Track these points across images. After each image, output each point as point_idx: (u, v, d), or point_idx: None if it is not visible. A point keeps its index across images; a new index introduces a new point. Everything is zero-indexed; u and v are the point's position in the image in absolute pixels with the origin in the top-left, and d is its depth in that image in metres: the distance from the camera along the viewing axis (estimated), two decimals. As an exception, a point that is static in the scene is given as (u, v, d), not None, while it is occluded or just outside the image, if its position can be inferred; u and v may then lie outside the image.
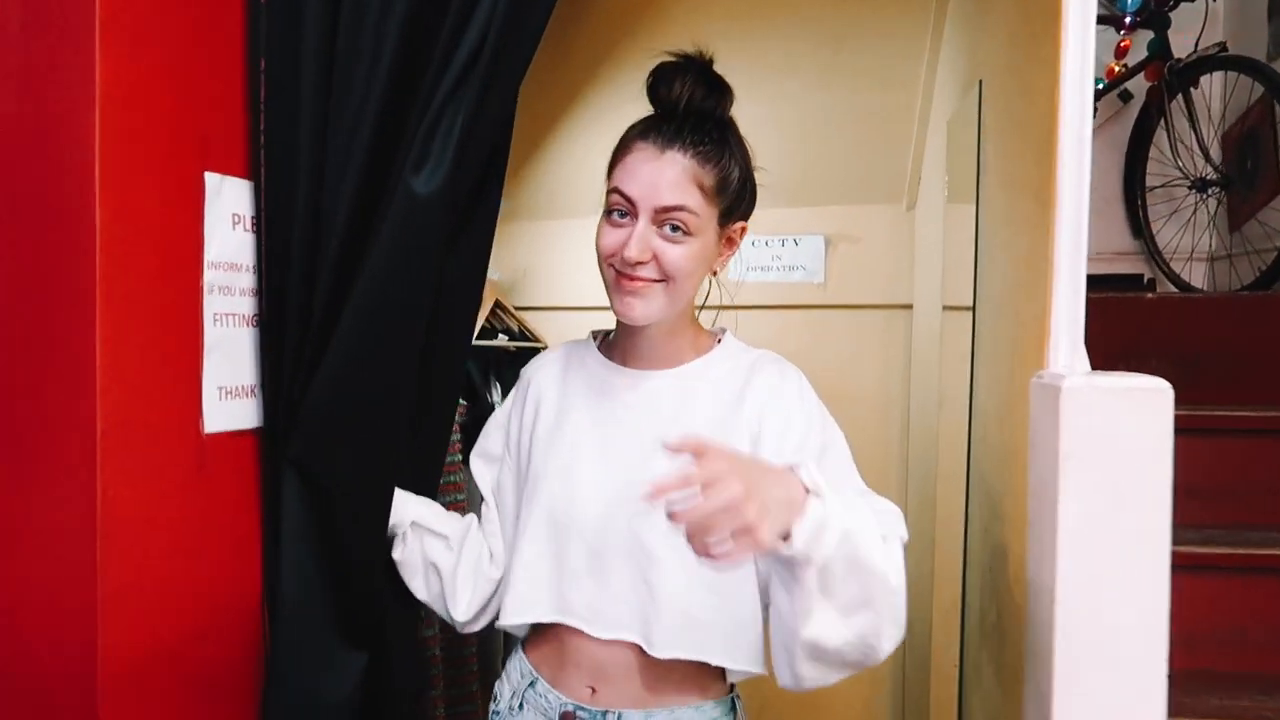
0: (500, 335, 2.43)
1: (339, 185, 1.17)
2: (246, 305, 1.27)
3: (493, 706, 1.36)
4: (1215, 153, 3.05)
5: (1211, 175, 3.00)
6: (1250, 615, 1.80)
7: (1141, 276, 3.26)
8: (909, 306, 2.46)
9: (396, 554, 1.35)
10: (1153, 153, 3.16)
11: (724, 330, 1.35)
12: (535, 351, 2.56)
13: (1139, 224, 3.25)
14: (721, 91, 1.23)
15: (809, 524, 0.91)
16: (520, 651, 1.34)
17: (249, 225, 1.26)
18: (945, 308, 2.33)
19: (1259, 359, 2.16)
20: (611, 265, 1.20)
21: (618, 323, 1.30)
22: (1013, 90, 1.41)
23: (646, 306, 1.19)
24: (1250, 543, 1.82)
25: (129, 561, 1.10)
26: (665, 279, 1.18)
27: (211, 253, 1.22)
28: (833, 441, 1.22)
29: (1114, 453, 0.96)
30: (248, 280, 1.27)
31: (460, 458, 2.08)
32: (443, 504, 2.05)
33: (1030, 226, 1.25)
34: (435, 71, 1.16)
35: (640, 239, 1.16)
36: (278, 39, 1.22)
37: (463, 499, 2.09)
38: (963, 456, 1.79)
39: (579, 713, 1.24)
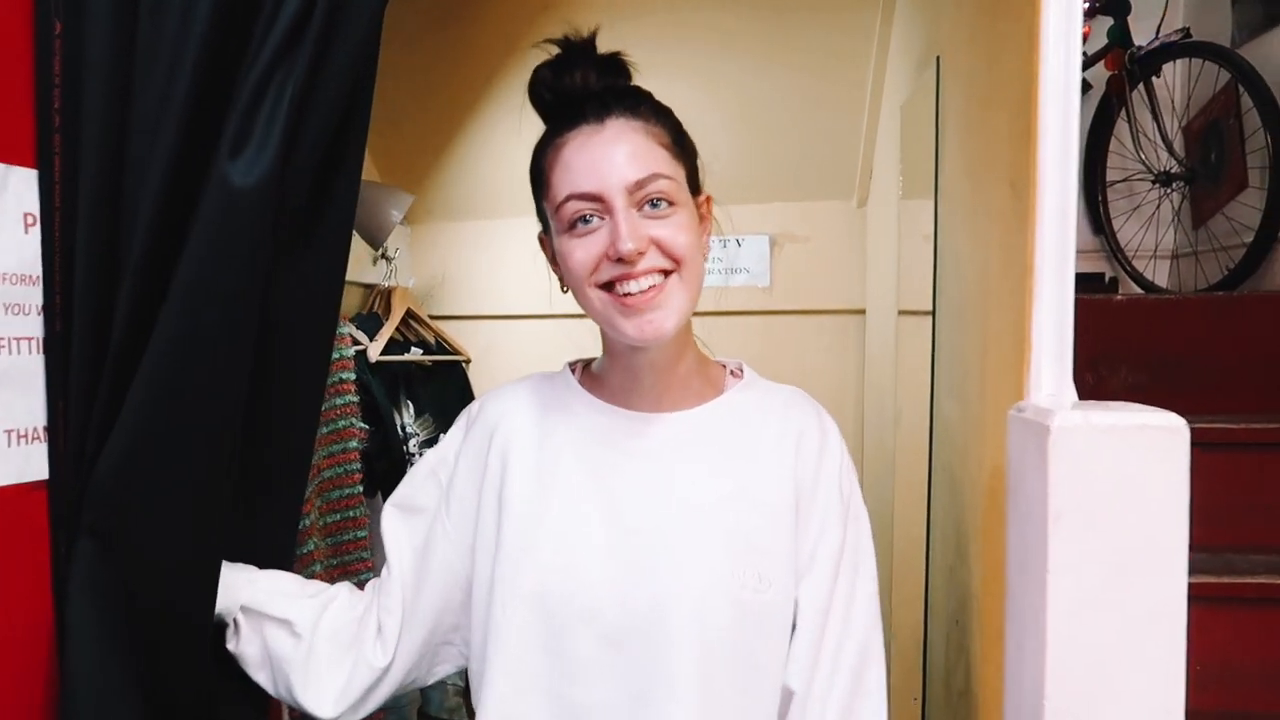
0: (413, 349, 2.19)
1: (143, 175, 0.93)
2: (44, 327, 1.02)
3: None
4: (1178, 145, 2.91)
5: (1175, 169, 2.87)
6: (1234, 648, 1.64)
7: (1103, 275, 3.13)
8: (861, 311, 2.27)
9: (231, 646, 1.09)
10: (1113, 145, 3.02)
11: (739, 363, 1.14)
12: (454, 366, 2.33)
13: (1099, 220, 3.11)
14: (618, 68, 1.04)
15: None
16: None
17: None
18: (901, 312, 2.15)
19: (1238, 364, 2.01)
20: (598, 284, 0.97)
21: (605, 352, 1.08)
22: (978, 64, 1.20)
23: (669, 313, 0.97)
24: (1236, 569, 1.65)
25: None
26: (675, 265, 0.97)
27: (-7, 262, 0.97)
28: (857, 547, 1.05)
29: (1119, 511, 0.75)
30: (46, 296, 1.02)
31: (361, 489, 1.83)
32: (343, 542, 1.83)
33: (1002, 221, 1.04)
34: (261, 27, 0.92)
35: (631, 227, 0.94)
36: (77, -4, 0.97)
37: (364, 536, 1.85)
38: (923, 480, 1.60)
39: None
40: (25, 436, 1.01)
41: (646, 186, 0.95)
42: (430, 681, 1.15)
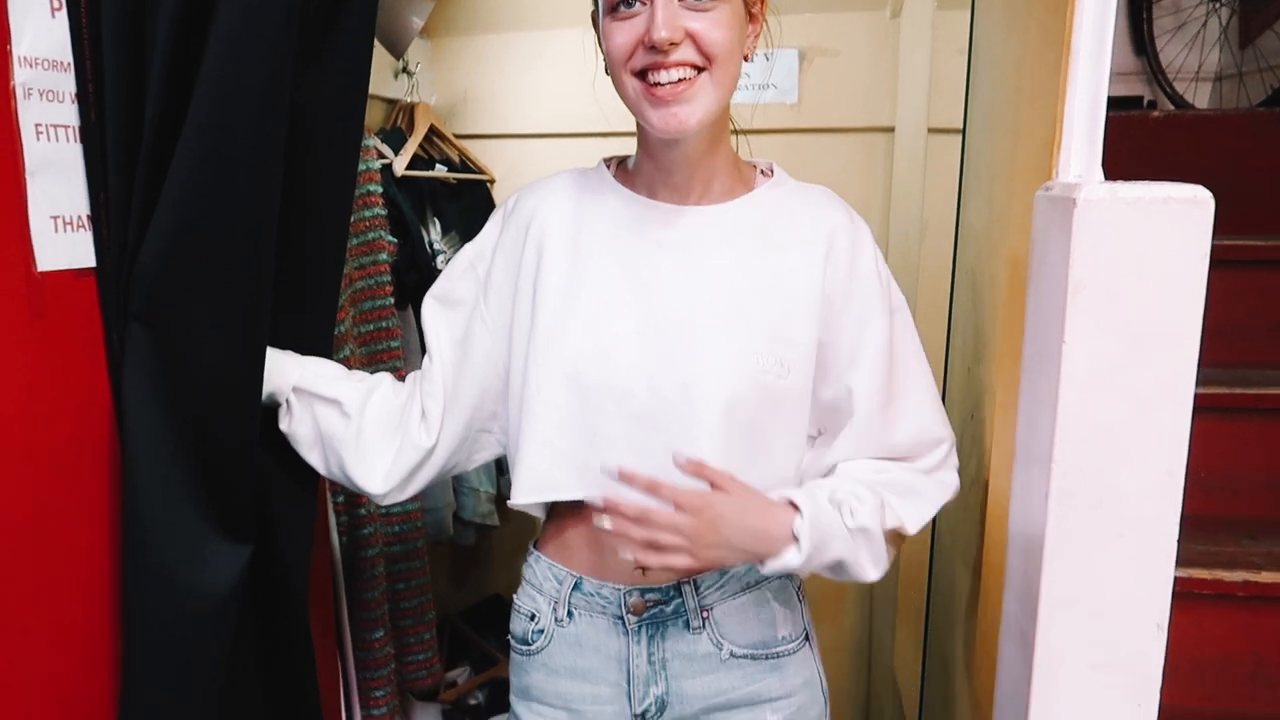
0: (438, 166, 2.18)
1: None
2: (79, 115, 1.03)
3: (518, 634, 1.17)
4: (1233, -44, 2.75)
5: (1227, -19, 2.72)
6: (1244, 456, 1.68)
7: (1141, 99, 3.02)
8: (890, 129, 2.22)
9: (284, 426, 1.15)
10: (1162, -43, 2.85)
11: (770, 163, 1.16)
12: (479, 185, 2.33)
13: (1142, 41, 2.97)
14: None
15: (790, 560, 0.98)
16: (540, 556, 1.16)
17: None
18: (931, 130, 2.11)
19: (1277, 182, 1.95)
20: (633, 70, 0.98)
21: (639, 146, 1.11)
22: None
23: (694, 108, 0.98)
24: (1251, 381, 1.67)
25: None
26: (707, 62, 0.97)
27: (24, 46, 0.97)
28: (901, 333, 1.10)
29: (1138, 283, 0.76)
30: (79, 84, 1.03)
31: (391, 301, 1.87)
32: (378, 351, 1.89)
33: (1039, 18, 1.02)
34: None
35: (668, 15, 0.94)
36: None
37: (397, 346, 1.90)
38: (945, 289, 1.62)
39: (648, 595, 1.08)
40: (71, 224, 1.03)
41: None
42: (470, 467, 1.22)
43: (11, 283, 0.97)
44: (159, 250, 0.99)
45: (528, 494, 1.09)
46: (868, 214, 2.29)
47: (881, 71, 2.20)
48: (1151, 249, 0.76)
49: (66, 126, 1.02)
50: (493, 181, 2.38)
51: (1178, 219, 0.76)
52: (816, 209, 1.10)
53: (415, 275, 1.96)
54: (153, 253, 0.99)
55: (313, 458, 1.16)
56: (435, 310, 1.17)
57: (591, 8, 1.07)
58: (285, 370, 1.13)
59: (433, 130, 2.19)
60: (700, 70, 0.97)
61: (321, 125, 1.10)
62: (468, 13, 2.36)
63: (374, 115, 2.19)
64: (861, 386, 1.06)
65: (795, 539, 0.98)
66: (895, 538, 1.07)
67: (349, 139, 1.16)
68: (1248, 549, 1.54)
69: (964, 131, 1.79)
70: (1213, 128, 2.10)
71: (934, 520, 1.63)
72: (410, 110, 2.16)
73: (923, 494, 1.09)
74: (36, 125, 0.99)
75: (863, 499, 1.02)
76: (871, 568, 1.03)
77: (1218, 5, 2.79)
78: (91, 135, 1.03)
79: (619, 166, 1.16)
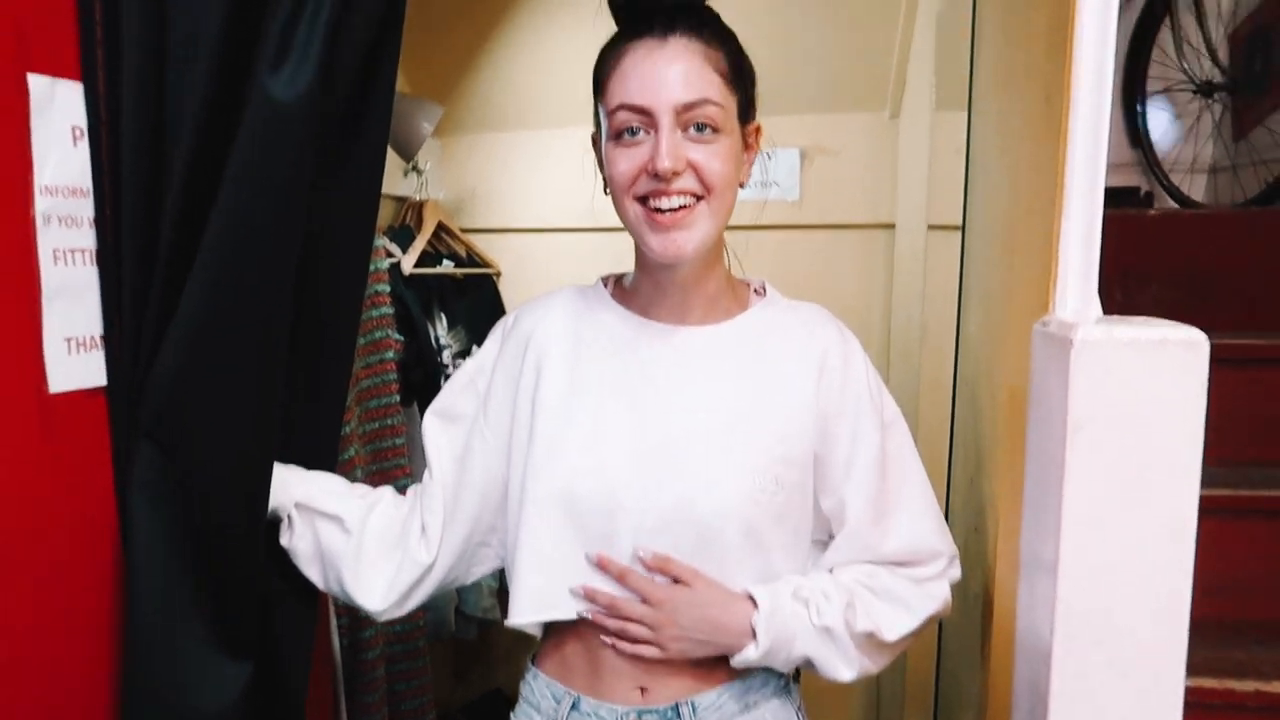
0: (445, 261, 2.22)
1: (184, 87, 0.94)
2: (96, 239, 1.06)
3: None
4: (1223, 53, 2.82)
5: (1218, 78, 2.78)
6: (1252, 560, 1.66)
7: (1138, 190, 3.07)
8: (891, 226, 2.25)
9: (285, 541, 1.15)
10: (1155, 54, 2.93)
11: (762, 282, 1.18)
12: (485, 279, 2.36)
13: (1137, 133, 3.03)
14: None
15: (749, 654, 1.03)
16: (537, 673, 1.15)
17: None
18: (930, 227, 2.14)
19: (1273, 280, 1.97)
20: (636, 196, 1.01)
21: (637, 266, 1.13)
22: (1015, -28, 1.18)
23: (692, 235, 1.01)
24: (1255, 482, 1.67)
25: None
26: (706, 191, 1.00)
27: (45, 175, 1.00)
28: (896, 445, 1.12)
29: (1137, 423, 0.77)
30: (97, 208, 1.05)
31: (398, 399, 1.89)
32: (382, 449, 1.90)
33: (1034, 133, 1.04)
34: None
35: (671, 146, 0.97)
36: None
37: (402, 444, 1.91)
38: (946, 393, 1.62)
39: (646, 717, 1.07)
40: (84, 345, 1.05)
41: (694, 110, 0.98)
42: (469, 581, 1.22)
43: (24, 405, 0.99)
44: (171, 369, 1.00)
45: (525, 613, 1.09)
46: (869, 312, 2.34)
47: (881, 170, 2.24)
48: (1149, 390, 0.77)
49: (83, 250, 1.05)
50: (498, 275, 2.42)
51: (1174, 361, 0.77)
52: (808, 327, 1.12)
53: (421, 372, 1.98)
54: (166, 371, 1.00)
55: (312, 573, 1.16)
56: (436, 426, 1.18)
57: (592, 129, 1.10)
58: (288, 486, 1.14)
59: (440, 226, 2.23)
60: (699, 199, 1.00)
61: (334, 236, 1.13)
62: (475, 113, 2.42)
63: (383, 213, 2.23)
64: (854, 498, 1.08)
65: (754, 633, 1.01)
66: (877, 643, 1.07)
67: (360, 247, 1.19)
68: (1257, 655, 1.51)
69: (963, 229, 1.82)
70: (1209, 225, 2.12)
71: (940, 625, 1.62)
72: (419, 208, 2.20)
73: (908, 603, 1.09)
74: (55, 250, 1.01)
75: (830, 598, 1.04)
76: (844, 668, 1.05)
77: (1210, 100, 2.85)
78: (108, 257, 1.06)
79: (616, 284, 1.18)
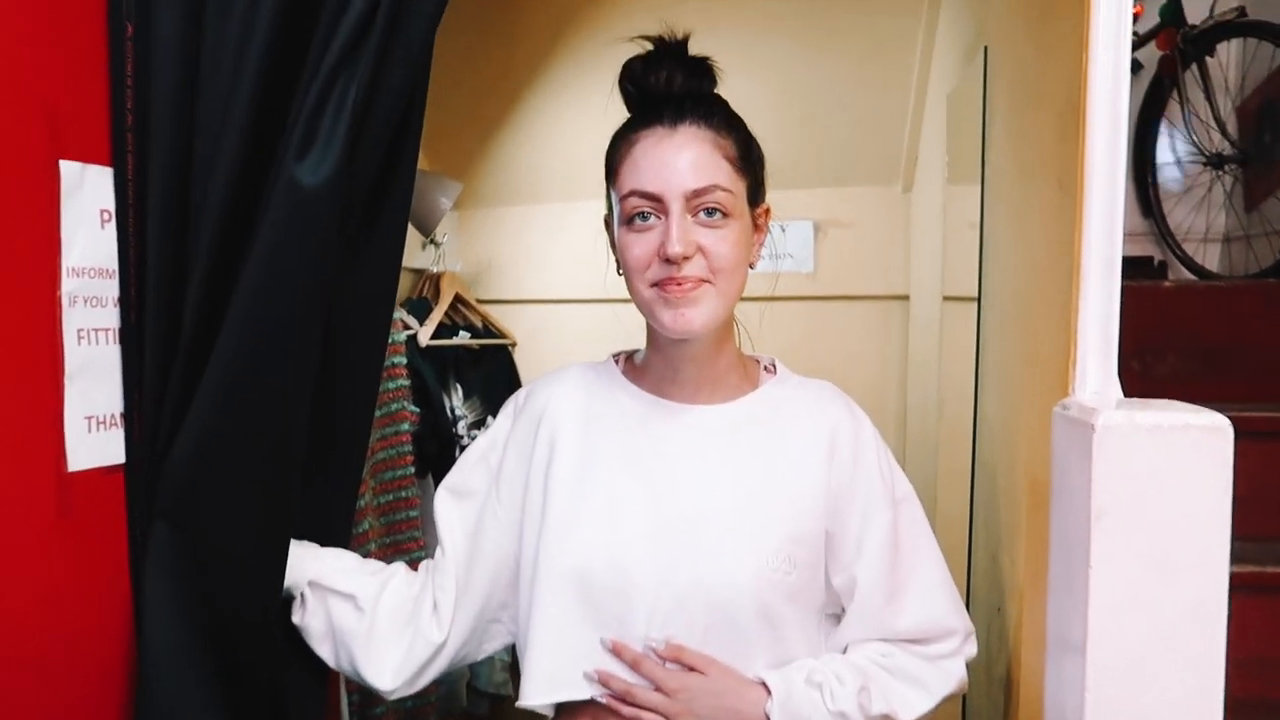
0: (461, 332, 2.23)
1: (211, 172, 0.96)
2: (120, 318, 1.07)
3: None
4: (1232, 126, 2.85)
5: (1228, 150, 2.81)
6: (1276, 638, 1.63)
7: (1151, 259, 3.07)
8: (905, 297, 2.27)
9: (297, 619, 1.15)
10: (1164, 126, 2.96)
11: (772, 359, 1.20)
12: (501, 349, 2.37)
13: (1149, 203, 3.05)
14: (705, 72, 1.09)
15: None
16: None
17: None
18: (946, 298, 2.15)
19: (1291, 352, 1.96)
20: (649, 281, 1.03)
21: (648, 345, 1.15)
22: (1026, 56, 1.20)
23: (703, 313, 1.03)
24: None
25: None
26: (714, 275, 1.03)
27: (73, 257, 1.01)
28: (909, 523, 1.13)
29: (1161, 510, 0.76)
30: (121, 288, 1.07)
31: (413, 471, 1.88)
32: (396, 521, 1.89)
33: (1048, 217, 1.05)
34: (322, 34, 0.95)
35: (682, 231, 1.00)
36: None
37: (416, 516, 1.90)
38: (965, 470, 1.61)
39: None
40: (104, 423, 1.06)
41: (704, 196, 1.01)
42: (480, 657, 1.21)
43: (42, 483, 0.99)
44: (191, 450, 1.00)
45: (537, 695, 1.07)
46: (885, 382, 2.33)
47: (895, 242, 2.26)
48: (1173, 476, 0.76)
49: (107, 329, 1.06)
50: (514, 345, 2.43)
51: (1198, 446, 0.76)
52: (819, 405, 1.13)
53: (436, 444, 1.98)
54: (185, 452, 1.01)
55: (324, 651, 1.15)
56: (448, 502, 1.18)
57: (605, 211, 1.13)
58: (302, 563, 1.13)
59: (457, 297, 2.25)
60: (706, 282, 1.02)
61: (356, 309, 1.14)
62: (492, 187, 2.46)
63: (401, 285, 2.26)
64: (865, 576, 1.08)
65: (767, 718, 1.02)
66: None
67: (379, 326, 1.20)
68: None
69: (979, 302, 1.82)
70: (1225, 297, 2.12)
71: (963, 707, 1.58)
72: (436, 279, 2.22)
73: (924, 683, 1.09)
74: (79, 330, 1.02)
75: (845, 681, 1.04)
76: None
77: (1221, 173, 2.87)
78: (130, 336, 1.07)
79: (627, 361, 1.19)
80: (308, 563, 1.14)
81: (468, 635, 1.15)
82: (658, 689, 1.03)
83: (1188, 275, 2.89)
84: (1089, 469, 0.77)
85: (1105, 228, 0.87)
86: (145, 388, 1.05)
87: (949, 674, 1.11)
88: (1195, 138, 2.84)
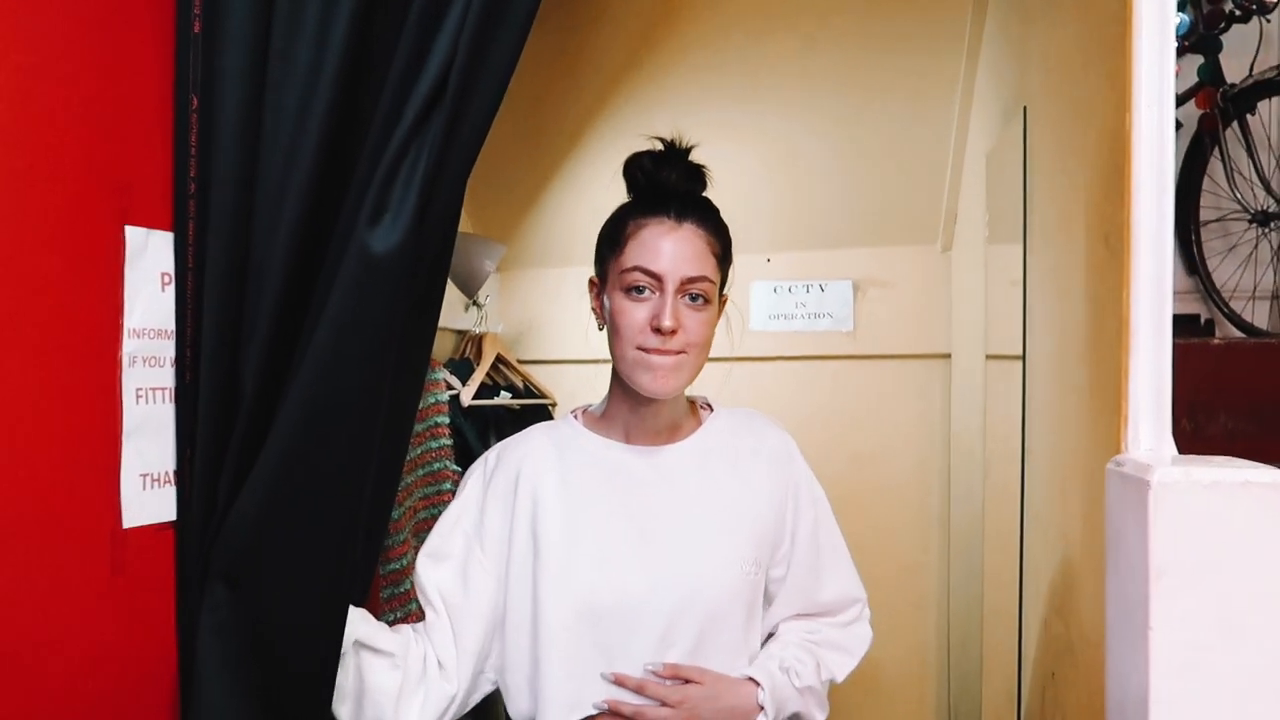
0: (503, 392, 2.25)
1: (271, 240, 0.99)
2: (176, 378, 1.10)
3: None
4: (1276, 183, 2.83)
5: (1273, 207, 2.78)
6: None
7: (1198, 317, 3.03)
8: (947, 356, 2.25)
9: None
10: (1207, 184, 2.94)
11: (705, 398, 1.42)
12: (541, 408, 2.38)
13: (1193, 261, 3.02)
14: (701, 176, 1.31)
15: None
16: None
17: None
18: (989, 356, 2.13)
19: (1347, 412, 1.92)
20: (639, 346, 1.21)
21: (611, 399, 1.33)
22: (1066, 116, 1.21)
23: (678, 379, 1.23)
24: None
25: (24, 692, 0.91)
26: (689, 348, 1.22)
27: (134, 319, 1.05)
28: (824, 515, 1.41)
29: (1222, 569, 0.75)
30: (178, 349, 1.10)
31: (454, 530, 1.88)
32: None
33: (1095, 274, 1.05)
34: (393, 103, 0.98)
35: (673, 309, 1.20)
36: (212, 72, 1.05)
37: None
38: (1013, 531, 1.58)
39: None
40: (158, 480, 1.08)
41: (694, 283, 1.22)
42: (467, 709, 1.28)
43: (98, 540, 1.01)
44: (254, 512, 1.02)
45: (558, 717, 1.20)
46: (928, 443, 2.30)
47: (935, 301, 2.25)
48: (1234, 534, 0.75)
49: (163, 389, 1.09)
50: (554, 405, 2.44)
51: (1259, 503, 0.75)
52: (752, 429, 1.38)
53: (478, 503, 1.98)
54: (246, 514, 1.02)
55: (341, 710, 1.18)
56: (429, 566, 1.27)
57: (593, 273, 1.32)
58: (352, 624, 1.15)
59: (499, 358, 2.27)
60: (683, 353, 1.22)
61: (408, 375, 1.17)
62: (534, 249, 2.50)
63: (444, 345, 2.29)
64: (798, 561, 1.35)
65: (761, 707, 1.24)
66: (831, 686, 1.36)
67: (415, 386, 1.26)
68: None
69: (1024, 360, 1.80)
70: (1274, 354, 2.08)
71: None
72: (479, 340, 2.25)
73: (848, 649, 1.39)
74: (138, 390, 1.06)
75: (804, 661, 1.30)
76: (819, 713, 1.33)
77: (1266, 230, 2.84)
78: (185, 396, 1.09)
79: (585, 415, 1.37)
80: (356, 624, 1.16)
81: (470, 684, 1.26)
82: (664, 704, 1.20)
83: (1235, 333, 2.85)
84: (1145, 527, 0.76)
85: (1153, 284, 0.86)
86: (199, 446, 1.07)
87: (861, 637, 1.42)
88: (1239, 195, 2.82)
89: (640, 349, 1.21)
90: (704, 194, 1.31)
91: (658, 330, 1.19)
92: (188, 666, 1.04)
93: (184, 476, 1.10)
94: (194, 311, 1.08)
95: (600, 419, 1.35)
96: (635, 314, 1.21)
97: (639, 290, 1.22)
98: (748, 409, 1.41)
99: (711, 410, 1.39)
